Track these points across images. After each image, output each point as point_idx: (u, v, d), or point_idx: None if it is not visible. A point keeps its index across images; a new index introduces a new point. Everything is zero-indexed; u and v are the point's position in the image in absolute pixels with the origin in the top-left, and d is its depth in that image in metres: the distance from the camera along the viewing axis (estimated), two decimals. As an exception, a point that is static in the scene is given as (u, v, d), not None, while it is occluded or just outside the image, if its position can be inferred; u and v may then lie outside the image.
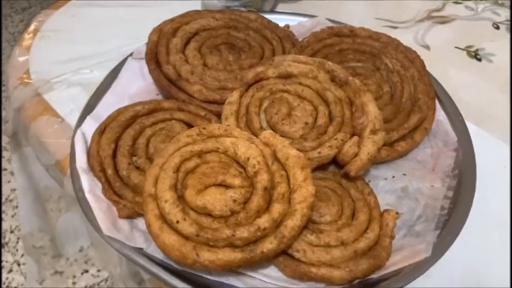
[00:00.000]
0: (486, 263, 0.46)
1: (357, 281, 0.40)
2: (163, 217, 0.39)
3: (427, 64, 0.59)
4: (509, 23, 0.76)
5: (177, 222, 0.38)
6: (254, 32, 0.62)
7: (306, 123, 0.48)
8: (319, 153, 0.46)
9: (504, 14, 0.78)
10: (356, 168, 0.45)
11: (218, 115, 0.52)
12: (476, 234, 0.46)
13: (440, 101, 0.57)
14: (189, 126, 0.51)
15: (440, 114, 0.56)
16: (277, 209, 0.39)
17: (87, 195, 0.44)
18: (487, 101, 0.63)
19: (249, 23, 0.63)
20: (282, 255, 0.40)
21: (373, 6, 0.80)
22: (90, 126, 0.51)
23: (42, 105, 0.59)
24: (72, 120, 0.55)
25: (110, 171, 0.46)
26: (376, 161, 0.49)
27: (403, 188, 0.50)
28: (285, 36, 0.63)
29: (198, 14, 0.63)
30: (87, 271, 1.24)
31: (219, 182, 0.40)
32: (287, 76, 0.52)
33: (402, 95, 0.55)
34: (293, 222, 0.38)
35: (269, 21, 0.65)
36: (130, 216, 0.44)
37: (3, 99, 1.72)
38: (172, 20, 0.61)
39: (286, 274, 0.40)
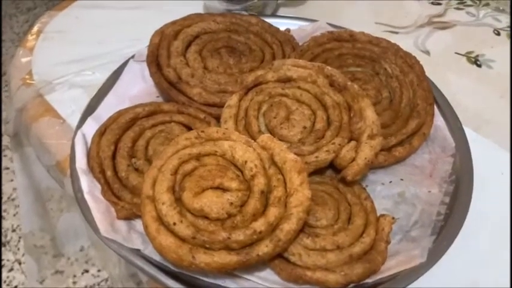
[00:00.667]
0: (482, 269, 0.46)
1: (352, 285, 0.40)
2: (160, 219, 0.39)
3: (427, 69, 0.59)
4: (510, 29, 0.76)
5: (174, 224, 0.38)
6: (255, 36, 0.63)
7: (304, 127, 0.48)
8: (317, 157, 0.46)
9: (505, 20, 0.78)
10: (353, 173, 0.45)
11: (217, 118, 0.53)
12: (472, 240, 0.46)
13: (439, 107, 0.57)
14: (189, 128, 0.52)
15: (438, 120, 0.56)
16: (273, 212, 0.39)
17: (86, 196, 0.45)
18: (486, 107, 0.63)
19: (250, 27, 0.64)
20: (278, 259, 0.40)
21: (374, 10, 0.80)
22: (90, 127, 0.51)
23: (44, 106, 0.60)
24: (74, 121, 0.56)
25: (109, 173, 0.47)
26: (373, 166, 0.49)
27: (400, 193, 0.50)
28: (286, 40, 0.63)
29: (199, 17, 0.63)
30: (87, 271, 1.25)
31: (216, 185, 0.40)
32: (286, 80, 0.52)
33: (401, 100, 0.55)
34: (289, 226, 0.39)
35: (270, 25, 0.65)
36: (129, 217, 0.45)
37: (5, 100, 1.73)
38: (174, 23, 0.62)
39: (282, 277, 0.41)
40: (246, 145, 0.43)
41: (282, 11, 0.78)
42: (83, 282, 1.23)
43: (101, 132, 0.50)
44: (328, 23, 0.67)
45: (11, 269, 1.26)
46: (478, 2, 0.83)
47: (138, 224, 0.45)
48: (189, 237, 0.38)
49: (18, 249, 1.31)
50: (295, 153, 0.44)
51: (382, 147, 0.49)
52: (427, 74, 0.59)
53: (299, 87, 0.51)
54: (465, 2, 0.83)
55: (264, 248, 0.38)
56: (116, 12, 0.76)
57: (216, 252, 0.37)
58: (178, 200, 0.40)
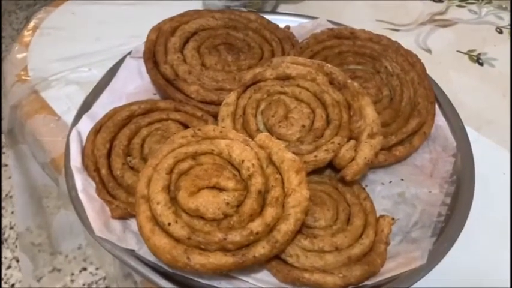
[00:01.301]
0: (484, 270, 0.46)
1: (350, 288, 0.40)
2: (155, 219, 0.38)
3: (428, 68, 0.58)
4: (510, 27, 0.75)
5: (169, 224, 0.37)
6: (253, 33, 0.62)
7: (303, 126, 0.48)
8: (316, 156, 0.45)
9: (507, 18, 0.77)
10: (352, 173, 0.44)
11: (215, 116, 0.52)
12: (473, 242, 0.45)
13: (440, 106, 0.56)
14: (186, 126, 0.51)
15: (440, 119, 0.55)
16: (270, 213, 0.38)
17: (80, 195, 0.44)
18: (488, 106, 0.62)
19: (249, 24, 0.63)
20: (275, 260, 0.40)
21: (375, 8, 0.79)
22: (86, 125, 0.51)
23: (39, 103, 0.59)
24: (69, 119, 0.55)
25: (104, 171, 0.46)
26: (373, 166, 0.49)
27: (400, 193, 0.49)
28: (285, 37, 0.62)
29: (197, 14, 0.63)
30: (85, 269, 1.24)
31: (213, 185, 0.40)
32: (285, 78, 0.51)
33: (402, 98, 0.55)
34: (286, 227, 0.38)
35: (269, 22, 0.64)
36: (123, 216, 0.44)
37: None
38: (171, 19, 0.61)
39: (279, 279, 0.40)
40: (243, 144, 0.42)
41: (281, 8, 0.77)
42: (81, 280, 1.23)
43: (96, 130, 0.49)
44: (328, 20, 0.66)
45: (9, 267, 1.26)
46: (480, -1, 0.82)
47: (133, 223, 0.44)
48: (184, 238, 0.37)
49: (16, 246, 1.30)
50: (294, 152, 0.43)
51: (382, 147, 0.49)
52: (428, 72, 0.58)
53: (298, 85, 0.50)
54: (467, 0, 0.82)
55: (261, 249, 0.37)
56: (112, 8, 0.75)
57: (212, 253, 0.37)
58: (173, 200, 0.39)
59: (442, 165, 0.51)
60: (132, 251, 0.41)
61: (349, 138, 0.47)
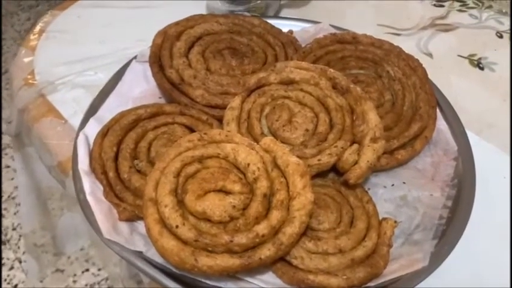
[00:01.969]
0: (483, 274, 0.46)
1: (353, 289, 0.40)
2: (162, 221, 0.39)
3: (429, 72, 0.59)
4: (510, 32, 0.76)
5: (177, 227, 0.38)
6: (257, 37, 0.63)
7: (307, 130, 0.48)
8: (319, 160, 0.46)
9: (507, 23, 0.78)
10: (355, 176, 0.45)
11: (220, 120, 0.53)
12: (474, 244, 0.46)
13: (441, 110, 0.57)
14: (191, 130, 0.52)
15: (441, 123, 0.56)
16: (276, 216, 0.39)
17: (88, 197, 0.45)
18: (489, 110, 0.63)
19: (253, 28, 0.64)
20: (280, 262, 0.41)
21: (377, 12, 0.80)
22: (93, 128, 0.51)
23: (46, 107, 0.60)
24: (76, 122, 0.56)
25: (111, 174, 0.47)
26: (375, 169, 0.50)
27: (402, 196, 0.50)
28: (288, 42, 0.63)
29: (202, 18, 0.63)
30: (87, 270, 1.25)
31: (219, 188, 0.40)
32: (289, 82, 0.52)
33: (403, 103, 0.55)
34: (291, 230, 0.39)
35: (272, 27, 0.65)
36: (131, 219, 0.45)
37: (6, 98, 1.73)
38: (177, 24, 0.62)
39: (284, 281, 0.41)
40: (248, 148, 0.43)
41: (284, 12, 0.78)
42: (83, 281, 1.23)
43: (103, 133, 0.50)
44: (330, 25, 0.67)
45: (11, 268, 1.26)
46: (480, 4, 0.83)
47: (140, 225, 0.45)
48: (192, 240, 0.38)
49: (19, 247, 1.31)
50: (298, 156, 0.43)
51: (385, 150, 0.49)
52: (429, 76, 0.59)
53: (302, 90, 0.51)
54: (468, 4, 0.83)
55: (267, 252, 0.38)
56: (117, 11, 0.76)
57: (219, 255, 0.37)
58: (180, 203, 0.40)
59: (443, 168, 0.52)
60: (140, 252, 0.41)
61: (352, 142, 0.48)
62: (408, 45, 0.65)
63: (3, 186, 1.47)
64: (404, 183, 0.51)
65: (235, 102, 0.51)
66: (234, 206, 0.39)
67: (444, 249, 0.43)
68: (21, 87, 0.62)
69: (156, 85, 0.59)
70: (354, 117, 0.49)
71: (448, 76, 0.67)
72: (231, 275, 0.40)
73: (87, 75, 0.64)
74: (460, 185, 0.50)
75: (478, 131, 0.59)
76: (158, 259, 0.41)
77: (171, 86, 0.56)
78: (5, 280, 1.23)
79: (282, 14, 0.77)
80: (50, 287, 1.18)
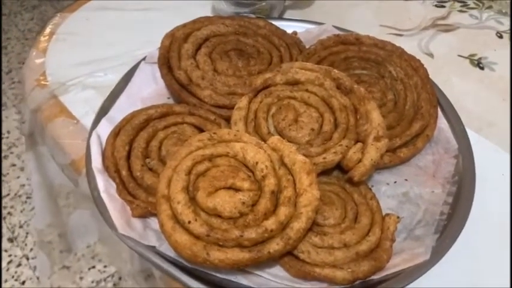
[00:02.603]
0: (483, 268, 0.48)
1: (358, 282, 0.42)
2: (175, 217, 0.41)
3: (430, 72, 0.61)
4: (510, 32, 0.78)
5: (189, 222, 0.40)
6: (262, 39, 0.64)
7: (312, 129, 0.50)
8: (324, 158, 0.47)
9: (507, 23, 0.80)
10: (359, 174, 0.47)
11: (227, 119, 0.54)
12: (474, 239, 0.47)
13: (442, 109, 0.59)
14: (200, 130, 0.53)
15: (442, 122, 0.57)
16: (283, 211, 0.41)
17: (103, 195, 0.47)
18: (488, 109, 0.64)
19: (258, 30, 0.65)
20: (287, 256, 0.42)
21: (379, 13, 0.81)
22: (105, 128, 0.53)
23: (58, 107, 0.61)
24: (87, 122, 0.58)
25: (124, 172, 0.48)
26: (379, 167, 0.51)
27: (405, 193, 0.52)
28: (293, 43, 0.65)
29: (208, 20, 0.65)
30: (94, 267, 1.27)
31: (229, 185, 0.42)
32: (294, 83, 0.54)
33: (405, 102, 0.57)
34: (299, 225, 0.40)
35: (277, 28, 0.67)
36: (144, 215, 0.47)
37: (11, 97, 1.74)
38: (184, 26, 0.63)
39: (291, 274, 0.42)
40: (256, 147, 0.45)
41: (288, 14, 0.79)
42: (90, 278, 1.25)
43: (115, 133, 0.52)
44: (334, 26, 0.68)
45: (19, 264, 1.28)
46: (481, 4, 0.84)
47: (152, 222, 0.47)
48: (203, 235, 0.39)
49: (26, 244, 1.33)
50: (304, 155, 0.45)
51: (387, 148, 0.51)
52: (430, 76, 0.60)
53: (307, 90, 0.53)
54: (468, 5, 0.84)
55: (275, 246, 0.39)
56: (125, 14, 0.78)
57: (229, 250, 0.39)
58: (192, 200, 0.42)
59: (444, 166, 0.54)
60: (153, 247, 0.43)
61: (356, 141, 0.49)
62: (410, 45, 0.67)
63: (10, 184, 1.49)
64: (406, 180, 0.53)
65: (243, 102, 0.52)
66: (243, 203, 0.41)
67: (445, 243, 0.45)
68: (34, 88, 0.63)
69: (164, 86, 0.60)
70: (358, 117, 0.51)
71: (449, 76, 0.69)
72: (241, 268, 0.41)
73: (97, 77, 0.65)
74: (460, 182, 0.51)
75: (478, 129, 0.61)
76: (171, 253, 0.42)
77: (180, 87, 0.58)
78: (13, 277, 1.26)
79: (285, 16, 0.79)
80: (57, 284, 1.20)
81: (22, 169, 1.53)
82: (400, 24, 0.79)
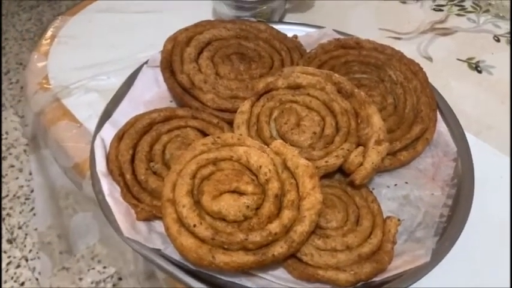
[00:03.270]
0: (482, 269, 0.49)
1: (360, 284, 0.43)
2: (180, 221, 0.41)
3: (429, 75, 0.61)
4: (509, 35, 0.78)
5: (194, 226, 0.40)
6: (264, 43, 0.65)
7: (314, 133, 0.51)
8: (327, 162, 0.48)
9: (505, 26, 0.81)
10: (361, 177, 0.48)
11: (230, 123, 0.55)
12: (473, 241, 0.48)
13: (441, 113, 0.59)
14: (203, 133, 0.54)
15: (441, 126, 0.58)
16: (287, 215, 0.41)
17: (108, 198, 0.47)
18: (487, 112, 0.65)
19: (259, 34, 0.66)
20: (291, 258, 0.43)
21: (378, 17, 0.82)
22: (108, 132, 0.53)
23: (61, 110, 0.62)
24: (90, 125, 0.58)
25: (128, 176, 0.49)
26: (379, 170, 0.52)
27: (405, 195, 0.53)
28: (293, 47, 0.65)
29: (210, 24, 0.65)
30: (93, 268, 1.27)
31: (233, 189, 0.43)
32: (296, 87, 0.54)
33: (405, 106, 0.58)
34: (302, 228, 0.41)
35: (278, 32, 0.67)
36: (148, 219, 0.47)
37: (9, 98, 1.74)
38: (186, 30, 0.64)
39: (295, 276, 0.43)
40: (260, 151, 0.46)
41: (288, 17, 0.80)
42: (89, 279, 1.26)
43: (119, 137, 0.52)
44: (334, 30, 0.69)
45: (18, 266, 1.29)
46: (478, 8, 0.85)
47: (157, 225, 0.47)
48: (209, 238, 0.40)
49: (25, 246, 1.33)
50: (306, 158, 0.46)
51: (388, 152, 0.51)
52: (429, 79, 0.61)
53: (308, 94, 0.53)
54: (466, 8, 0.85)
55: (279, 249, 0.40)
56: (127, 16, 0.78)
57: (234, 253, 0.40)
58: (197, 203, 0.42)
59: (443, 169, 0.55)
60: (158, 250, 0.44)
61: (358, 145, 0.50)
62: (409, 49, 0.67)
63: (9, 185, 1.49)
64: (406, 183, 0.54)
65: (245, 106, 0.53)
66: (247, 206, 0.42)
67: (445, 245, 0.46)
68: (37, 92, 0.64)
69: (167, 89, 0.61)
70: (359, 121, 0.52)
71: (448, 79, 0.70)
72: (246, 271, 0.42)
73: (100, 80, 0.65)
74: (459, 184, 0.52)
75: (477, 132, 0.61)
76: (175, 256, 0.43)
77: (182, 91, 0.58)
78: (12, 278, 1.26)
79: (286, 19, 0.79)
80: (56, 284, 1.21)
81: (21, 170, 1.53)
82: (399, 27, 0.80)
